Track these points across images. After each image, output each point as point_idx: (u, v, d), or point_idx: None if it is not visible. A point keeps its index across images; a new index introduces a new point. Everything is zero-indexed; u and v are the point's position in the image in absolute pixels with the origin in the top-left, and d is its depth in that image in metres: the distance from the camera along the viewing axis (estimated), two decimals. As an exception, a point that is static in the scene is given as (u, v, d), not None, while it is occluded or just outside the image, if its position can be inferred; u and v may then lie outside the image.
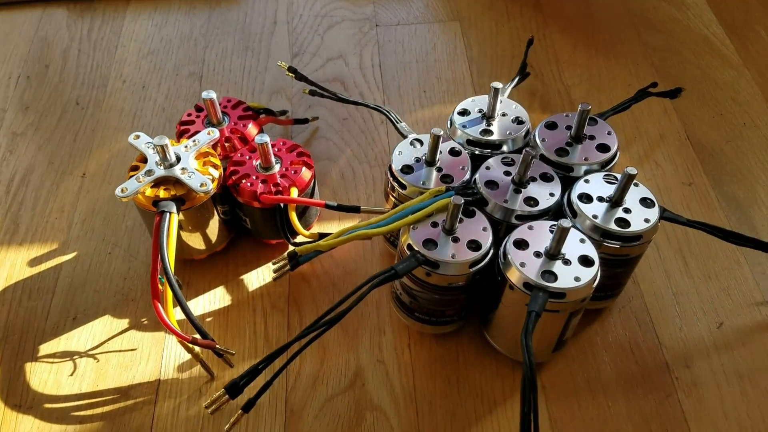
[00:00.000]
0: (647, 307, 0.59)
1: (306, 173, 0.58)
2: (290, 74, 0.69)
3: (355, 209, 0.57)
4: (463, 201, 0.48)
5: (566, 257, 0.49)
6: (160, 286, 0.51)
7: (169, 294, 0.51)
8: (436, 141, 0.54)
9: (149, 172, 0.54)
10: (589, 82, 0.77)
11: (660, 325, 0.58)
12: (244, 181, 0.57)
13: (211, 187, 0.54)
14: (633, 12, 0.86)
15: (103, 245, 0.63)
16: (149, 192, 0.54)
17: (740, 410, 0.53)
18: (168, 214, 0.53)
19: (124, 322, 0.57)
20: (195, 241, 0.59)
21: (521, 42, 0.82)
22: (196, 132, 0.60)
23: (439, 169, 0.55)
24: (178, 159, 0.55)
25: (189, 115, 0.63)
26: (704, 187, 0.68)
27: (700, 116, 0.74)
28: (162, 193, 0.54)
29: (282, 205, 0.57)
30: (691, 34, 0.83)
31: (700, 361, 0.56)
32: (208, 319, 0.58)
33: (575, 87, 0.77)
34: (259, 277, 0.61)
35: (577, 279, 0.48)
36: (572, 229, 0.50)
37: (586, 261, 0.49)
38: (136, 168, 0.56)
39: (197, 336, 0.51)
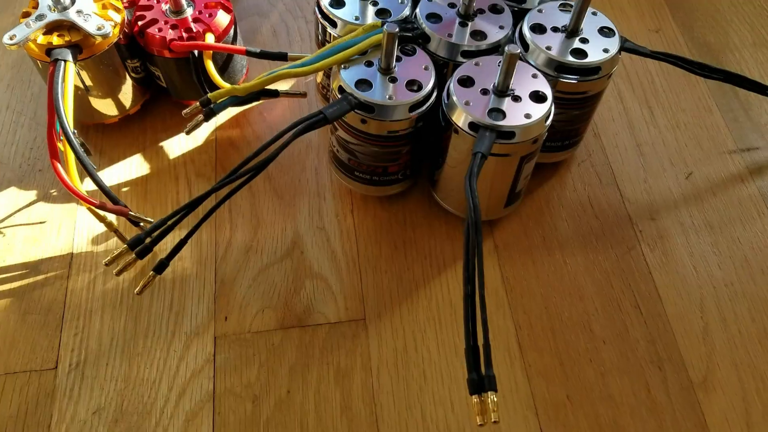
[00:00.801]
0: (609, 160, 0.54)
1: (223, 17, 0.51)
2: None
3: (281, 56, 0.51)
4: (398, 29, 0.42)
5: (516, 93, 0.43)
6: (59, 145, 0.45)
7: (71, 155, 0.44)
8: (369, -30, 0.47)
9: (40, 17, 0.47)
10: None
11: (623, 179, 0.53)
12: (151, 27, 0.50)
13: (110, 30, 0.47)
14: None
15: (8, 114, 0.56)
16: (42, 39, 0.47)
17: (710, 261, 0.49)
18: (63, 62, 0.46)
19: (32, 194, 0.51)
20: (103, 103, 0.52)
21: None
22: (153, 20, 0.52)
23: (375, 3, 0.48)
24: (73, 1, 0.48)
25: None
26: (672, 33, 0.62)
27: (670, -42, 0.67)
28: (56, 39, 0.47)
29: (196, 53, 0.50)
30: None
31: (666, 213, 0.51)
32: (125, 189, 0.52)
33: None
34: (180, 143, 0.54)
35: (527, 116, 0.42)
36: (523, 65, 0.44)
37: (538, 97, 0.43)
38: (27, 15, 0.48)
39: (106, 202, 0.45)
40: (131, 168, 0.53)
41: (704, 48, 0.61)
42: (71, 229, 0.50)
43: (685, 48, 0.61)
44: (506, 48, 0.40)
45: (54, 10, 0.47)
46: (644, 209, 0.52)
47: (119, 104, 0.53)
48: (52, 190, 0.52)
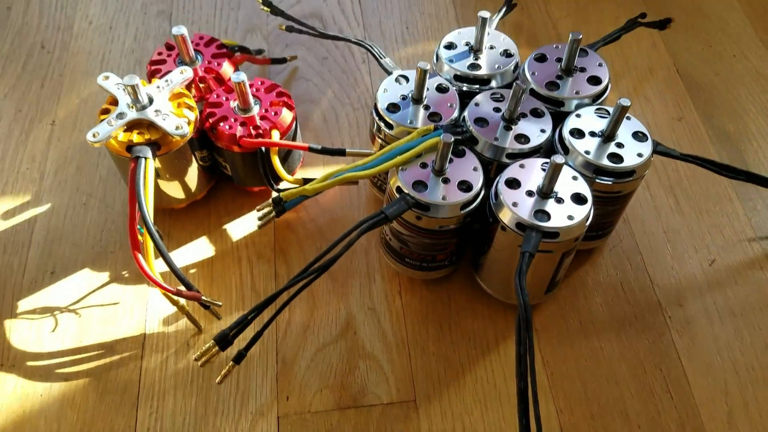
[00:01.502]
0: (638, 245, 0.58)
1: (287, 115, 0.56)
2: (265, 8, 0.66)
3: (340, 152, 0.55)
4: (453, 140, 0.46)
5: (559, 195, 0.47)
6: (139, 237, 0.49)
7: (150, 244, 0.49)
8: (423, 76, 0.52)
9: (121, 115, 0.52)
10: (576, 15, 0.75)
11: (652, 264, 0.57)
12: (222, 123, 0.54)
13: (188, 130, 0.52)
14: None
15: (78, 196, 0.60)
16: (122, 137, 0.51)
17: (734, 347, 0.53)
18: (143, 159, 0.50)
19: (105, 276, 0.55)
20: (173, 189, 0.56)
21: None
22: (168, 72, 0.57)
23: (427, 107, 0.53)
24: (151, 101, 0.52)
25: (159, 54, 0.59)
26: (694, 121, 0.66)
27: (690, 48, 0.72)
28: (136, 137, 0.51)
29: (263, 149, 0.54)
30: (680, -37, 0.80)
31: (692, 299, 0.55)
32: (192, 271, 0.56)
33: (562, 20, 0.74)
34: (242, 226, 0.59)
35: (570, 217, 0.46)
36: (564, 166, 0.49)
37: (579, 199, 0.47)
38: (107, 111, 0.53)
39: (182, 288, 0.49)
40: (197, 250, 0.57)
41: (724, 136, 0.65)
42: (143, 310, 0.54)
43: (705, 136, 0.65)
44: (552, 158, 0.45)
45: (133, 108, 0.52)
46: (672, 295, 0.56)
47: (187, 190, 0.57)
48: (124, 272, 0.56)
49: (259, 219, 0.52)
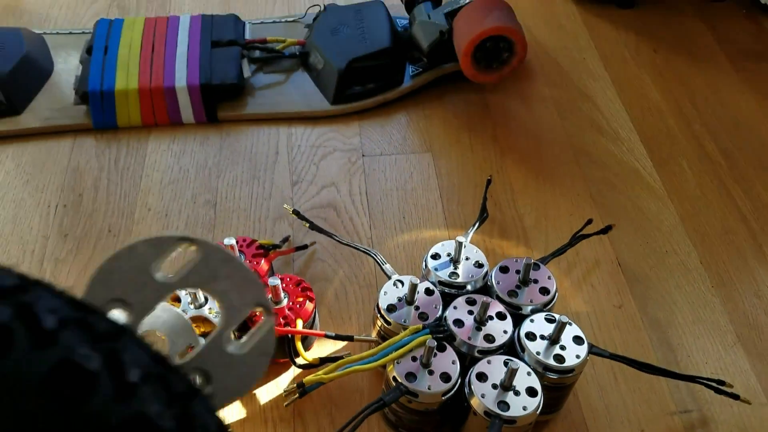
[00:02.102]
0: (584, 417, 0.73)
1: (309, 306, 0.72)
2: (294, 215, 0.84)
3: (349, 338, 0.71)
4: (435, 344, 0.63)
5: (516, 388, 0.63)
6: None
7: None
8: (413, 287, 0.68)
9: (183, 312, 0.68)
10: (537, 211, 0.93)
11: None
12: (257, 314, 0.70)
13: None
14: (575, 146, 1.02)
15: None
16: (184, 329, 0.67)
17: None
18: (200, 348, 0.66)
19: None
20: (217, 363, 0.72)
21: (483, 172, 0.97)
22: (218, 270, 0.74)
23: (417, 308, 0.69)
24: (206, 300, 0.69)
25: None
26: (632, 309, 0.83)
27: (630, 244, 0.90)
28: (195, 330, 0.67)
29: (289, 335, 0.70)
30: (624, 167, 1.00)
31: (624, 463, 0.70)
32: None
33: (527, 215, 0.92)
34: (268, 392, 0.73)
35: (525, 408, 0.62)
36: (522, 364, 0.64)
37: (532, 392, 0.63)
38: (171, 306, 0.69)
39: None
40: (232, 411, 0.72)
41: (655, 323, 0.81)
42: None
43: (640, 322, 0.81)
44: (510, 364, 0.61)
45: (192, 305, 0.68)
46: (610, 458, 0.70)
47: (227, 363, 0.72)
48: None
49: (285, 398, 0.67)
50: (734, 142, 1.04)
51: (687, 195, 0.96)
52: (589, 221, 0.85)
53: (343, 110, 1.04)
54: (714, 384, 0.70)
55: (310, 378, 0.66)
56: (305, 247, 0.86)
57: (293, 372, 0.75)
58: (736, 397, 0.70)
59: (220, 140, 1.01)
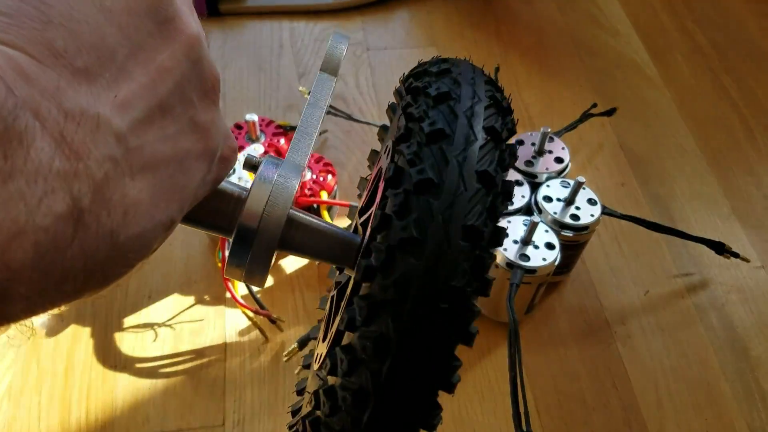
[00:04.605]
0: (592, 279, 0.78)
1: (331, 180, 0.74)
2: (305, 92, 0.85)
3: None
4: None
5: (535, 243, 0.67)
6: (228, 270, 0.66)
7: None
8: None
9: (213, 181, 0.69)
10: (542, 102, 0.96)
11: (601, 293, 0.77)
12: (283, 186, 0.72)
13: (263, 192, 0.70)
14: (576, 40, 1.04)
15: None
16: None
17: (662, 355, 0.72)
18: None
19: (191, 299, 0.72)
20: (244, 234, 0.74)
21: (488, 67, 0.98)
22: (240, 146, 0.75)
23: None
24: (234, 170, 0.70)
25: (231, 131, 0.77)
26: (633, 186, 0.87)
27: (630, 129, 0.93)
28: (224, 197, 0.69)
29: (315, 205, 0.72)
30: (623, 59, 1.02)
31: (632, 319, 0.75)
32: (258, 296, 0.73)
33: (532, 105, 0.95)
34: (294, 262, 0.76)
35: (544, 259, 0.65)
36: (539, 223, 0.68)
37: (549, 246, 0.67)
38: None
39: (258, 308, 0.66)
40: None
41: (656, 197, 0.86)
42: (223, 325, 0.71)
43: (642, 197, 0.86)
44: (531, 218, 0.64)
45: (221, 175, 0.70)
46: (617, 316, 0.75)
47: (252, 235, 0.75)
48: (206, 296, 0.73)
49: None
50: (724, 37, 1.07)
51: (682, 84, 1.00)
52: (594, 105, 0.88)
53: (343, 4, 1.04)
54: (716, 245, 0.75)
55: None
56: (321, 132, 0.88)
57: (315, 245, 0.78)
58: (736, 255, 0.75)
59: (223, 34, 1.00)
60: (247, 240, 0.32)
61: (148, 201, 0.22)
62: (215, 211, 0.32)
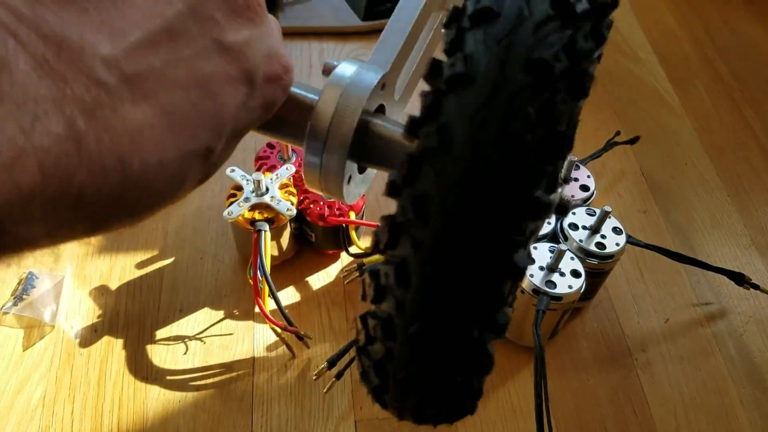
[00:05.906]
0: (614, 306, 0.79)
1: (360, 200, 0.76)
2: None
3: (400, 230, 0.75)
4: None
5: (561, 270, 0.68)
6: (259, 286, 0.68)
7: (266, 291, 0.68)
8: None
9: (246, 200, 0.71)
10: (567, 126, 0.97)
11: (623, 320, 0.78)
12: (313, 205, 0.74)
13: (294, 211, 0.71)
14: (598, 66, 1.06)
15: (195, 252, 0.79)
16: (247, 215, 0.70)
17: (681, 382, 0.73)
18: (264, 231, 0.69)
19: (220, 313, 0.74)
20: (273, 251, 0.75)
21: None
22: (272, 166, 0.77)
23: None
24: (267, 189, 0.72)
25: (264, 151, 0.79)
26: (655, 214, 0.88)
27: (652, 156, 0.95)
28: (257, 215, 0.71)
29: (344, 225, 0.74)
30: (645, 87, 1.04)
31: (652, 346, 0.76)
32: (286, 312, 0.75)
33: (556, 129, 0.96)
34: (320, 279, 0.78)
35: (570, 287, 0.67)
36: (567, 248, 0.69)
37: (575, 273, 0.68)
38: (233, 195, 0.73)
39: (286, 325, 0.68)
40: (288, 297, 0.76)
41: (677, 226, 0.87)
42: (251, 339, 0.72)
43: (663, 225, 0.87)
44: (558, 246, 0.66)
45: (254, 194, 0.71)
46: (638, 343, 0.76)
47: (282, 252, 0.76)
48: (235, 311, 0.74)
49: (345, 278, 0.72)
50: (745, 68, 1.08)
51: (703, 113, 1.01)
52: (618, 132, 0.90)
53: (372, 27, 1.06)
54: (737, 276, 0.76)
55: (370, 259, 0.70)
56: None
57: (341, 263, 0.79)
58: (756, 287, 0.76)
59: (254, 52, 1.02)
60: (319, 140, 0.30)
61: (162, 127, 0.21)
62: (286, 122, 0.31)
